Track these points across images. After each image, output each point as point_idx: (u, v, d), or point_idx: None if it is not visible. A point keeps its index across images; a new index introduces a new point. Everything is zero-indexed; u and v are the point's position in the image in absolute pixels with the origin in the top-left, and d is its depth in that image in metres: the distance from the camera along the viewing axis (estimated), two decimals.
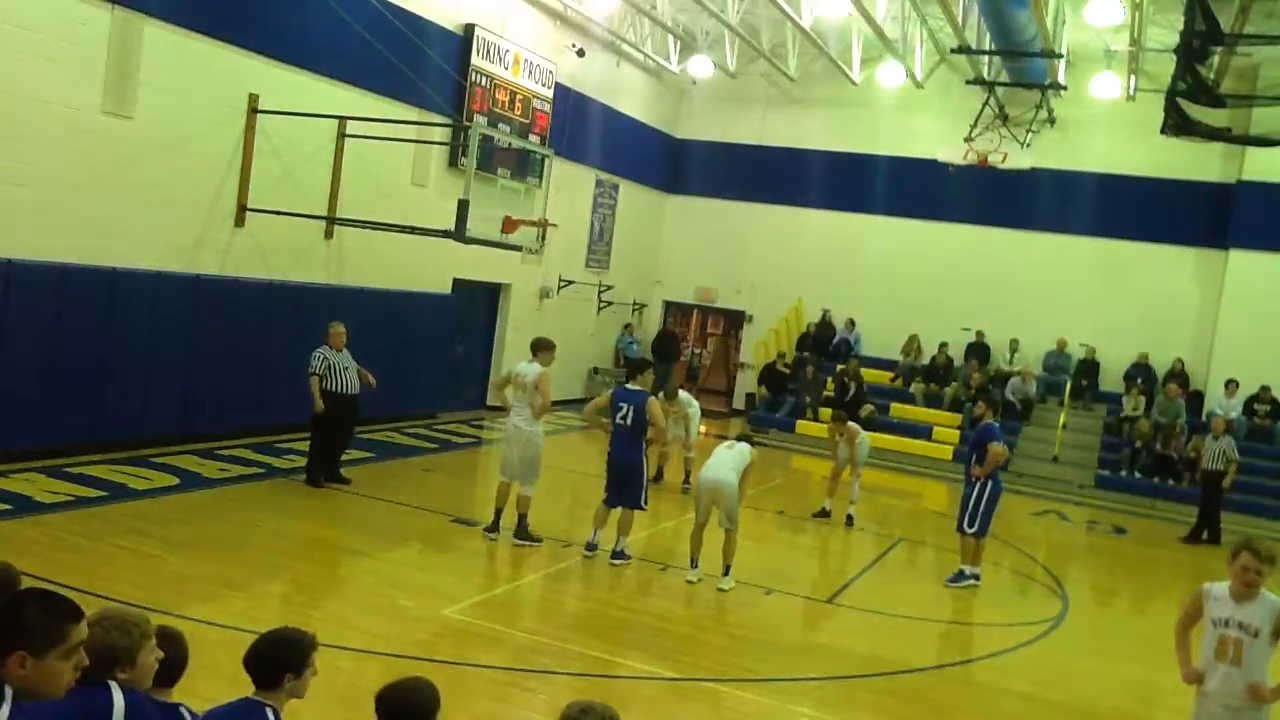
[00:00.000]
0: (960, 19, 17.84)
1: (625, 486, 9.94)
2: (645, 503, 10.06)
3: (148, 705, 3.30)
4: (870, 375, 21.67)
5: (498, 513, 10.42)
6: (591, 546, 10.09)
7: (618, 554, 9.99)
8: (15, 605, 2.72)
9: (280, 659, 3.48)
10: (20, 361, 10.62)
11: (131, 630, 3.27)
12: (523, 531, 10.30)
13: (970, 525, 10.73)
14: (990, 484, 10.68)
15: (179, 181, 12.42)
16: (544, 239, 14.08)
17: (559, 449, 17.25)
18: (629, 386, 10.22)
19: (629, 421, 9.90)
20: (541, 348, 10.48)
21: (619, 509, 10.04)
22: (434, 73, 15.51)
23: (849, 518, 13.34)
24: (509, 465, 10.45)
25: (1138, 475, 18.62)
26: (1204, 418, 19.52)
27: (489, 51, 17.19)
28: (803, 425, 20.72)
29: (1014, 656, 8.94)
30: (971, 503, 10.72)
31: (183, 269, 12.52)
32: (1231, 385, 19.57)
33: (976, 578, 10.86)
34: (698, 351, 25.77)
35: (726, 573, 9.64)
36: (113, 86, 11.51)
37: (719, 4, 18.38)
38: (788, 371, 22.09)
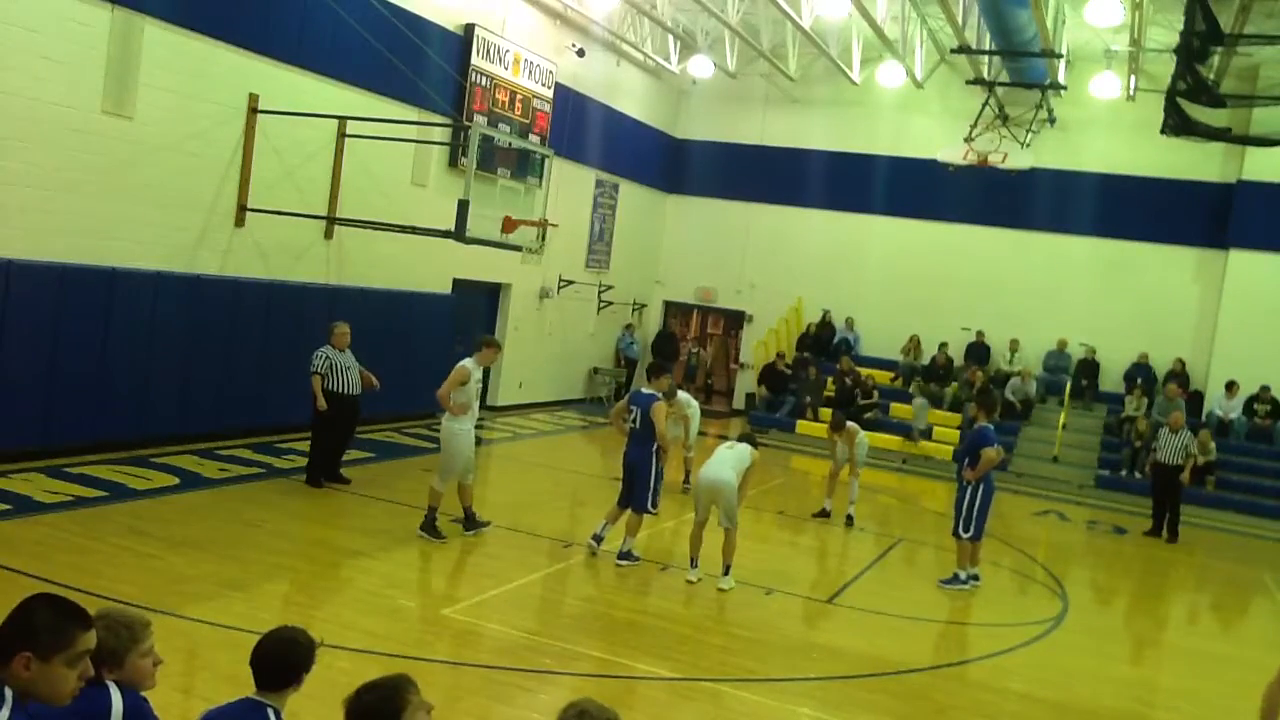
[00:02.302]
0: (960, 19, 17.84)
1: (632, 489, 9.97)
2: (654, 507, 10.05)
3: (146, 706, 3.30)
4: (870, 375, 21.67)
5: (465, 510, 10.39)
6: (598, 538, 10.07)
7: (624, 555, 9.99)
8: (25, 607, 2.73)
9: (289, 658, 3.46)
10: (20, 361, 10.62)
11: (121, 632, 3.26)
12: (430, 525, 10.11)
13: (965, 530, 10.70)
14: (982, 487, 10.64)
15: (179, 181, 12.42)
16: (544, 239, 14.08)
17: (559, 449, 17.28)
18: (643, 390, 10.26)
19: (638, 424, 9.98)
20: (478, 344, 10.36)
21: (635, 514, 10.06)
22: (434, 73, 15.50)
23: (849, 518, 13.34)
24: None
25: (1138, 475, 18.61)
26: (1203, 417, 19.55)
27: (489, 51, 17.19)
28: (803, 425, 20.73)
29: (1014, 656, 8.93)
30: (965, 507, 10.68)
31: (183, 269, 12.53)
32: (1232, 386, 19.59)
33: (976, 579, 10.85)
34: (695, 351, 25.77)
35: (726, 573, 9.64)
36: (113, 86, 11.51)
37: (719, 4, 18.38)
38: (788, 372, 22.10)
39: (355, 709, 3.13)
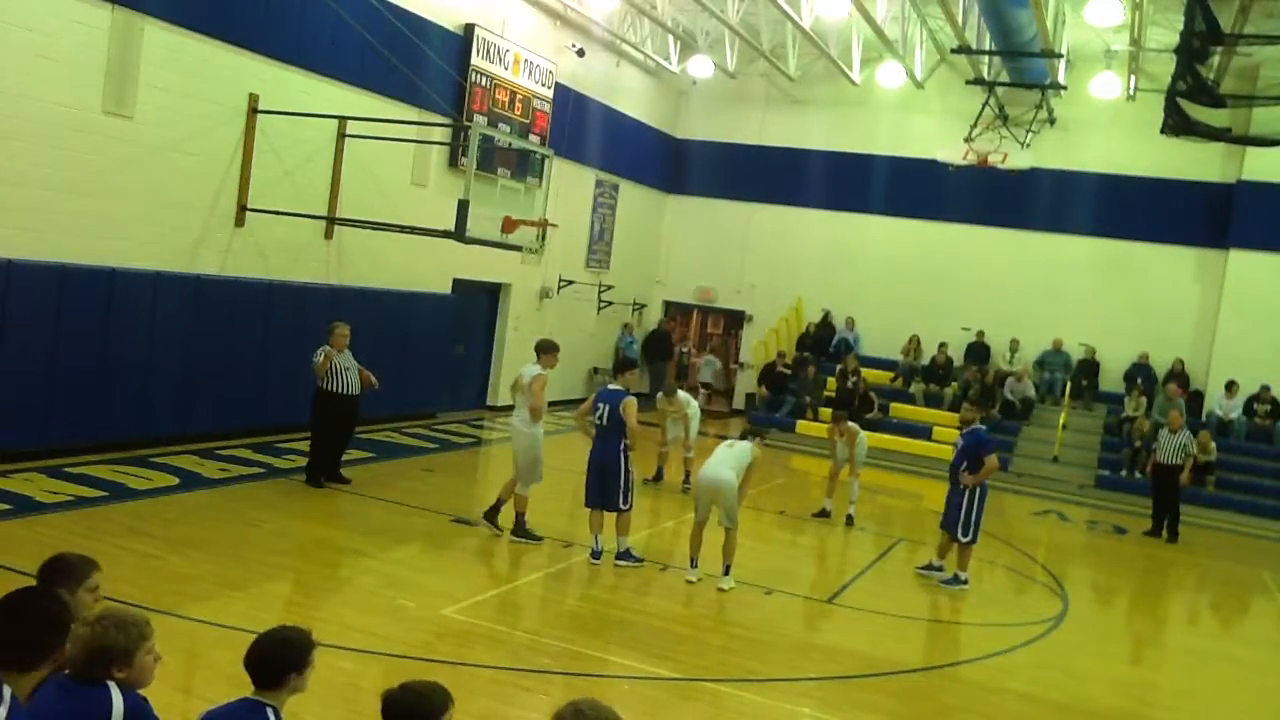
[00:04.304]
0: (960, 19, 17.84)
1: (605, 487, 9.88)
2: (626, 503, 9.92)
3: (147, 707, 3.30)
4: (870, 375, 21.68)
5: (499, 501, 10.52)
6: (597, 554, 9.98)
7: (623, 554, 9.96)
8: (46, 604, 2.82)
9: (284, 658, 3.46)
10: (20, 361, 10.61)
11: (130, 630, 3.28)
12: (520, 529, 10.34)
13: (964, 534, 10.66)
14: (979, 490, 10.63)
15: (179, 181, 12.42)
16: (544, 239, 14.07)
17: (558, 449, 17.23)
18: (610, 386, 10.20)
19: (604, 421, 9.86)
20: (542, 350, 10.53)
21: (612, 513, 9.99)
22: (434, 73, 15.50)
23: (849, 518, 13.33)
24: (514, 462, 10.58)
25: (1138, 475, 18.61)
26: (1204, 417, 19.55)
27: (489, 51, 17.19)
28: (803, 425, 20.73)
29: (1014, 656, 8.93)
30: (963, 511, 10.62)
31: (183, 269, 12.52)
32: (1232, 386, 19.58)
33: (965, 582, 10.78)
34: (684, 351, 25.72)
35: (726, 572, 9.62)
36: (113, 86, 11.51)
37: (719, 4, 18.38)
38: (788, 372, 22.10)
39: (395, 700, 3.24)
